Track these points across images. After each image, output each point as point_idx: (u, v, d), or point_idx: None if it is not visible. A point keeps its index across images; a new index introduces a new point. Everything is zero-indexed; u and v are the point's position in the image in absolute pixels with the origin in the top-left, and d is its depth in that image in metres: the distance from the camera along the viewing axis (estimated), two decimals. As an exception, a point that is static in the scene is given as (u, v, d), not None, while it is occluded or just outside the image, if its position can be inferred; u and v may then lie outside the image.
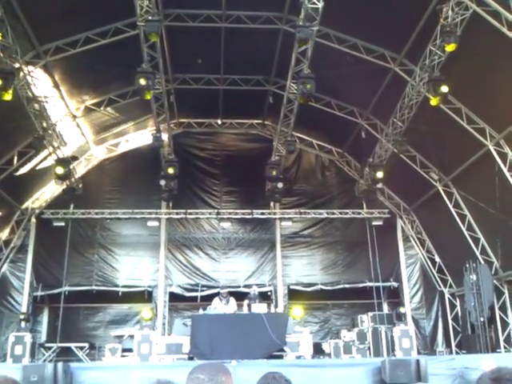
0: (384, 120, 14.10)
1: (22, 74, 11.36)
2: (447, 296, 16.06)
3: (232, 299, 11.41)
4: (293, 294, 16.34)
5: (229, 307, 11.08)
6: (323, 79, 11.84)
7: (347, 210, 16.39)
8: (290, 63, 11.72)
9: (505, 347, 12.78)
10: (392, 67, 12.46)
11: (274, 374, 2.56)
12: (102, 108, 14.59)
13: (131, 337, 12.43)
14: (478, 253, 13.66)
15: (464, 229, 14.07)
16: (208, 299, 13.29)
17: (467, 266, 13.26)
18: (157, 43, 10.87)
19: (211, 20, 12.20)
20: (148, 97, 11.53)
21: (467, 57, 10.42)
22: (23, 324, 13.76)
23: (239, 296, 12.40)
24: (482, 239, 13.66)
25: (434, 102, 10.80)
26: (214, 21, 12.22)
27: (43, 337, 15.61)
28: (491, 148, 11.85)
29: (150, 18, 10.05)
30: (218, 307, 10.98)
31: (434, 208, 15.28)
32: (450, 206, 14.36)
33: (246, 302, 11.53)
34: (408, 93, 12.34)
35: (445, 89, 10.48)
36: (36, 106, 12.29)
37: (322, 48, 12.00)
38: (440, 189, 14.62)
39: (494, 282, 13.05)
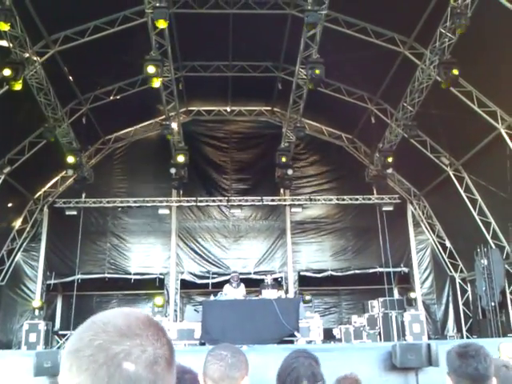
0: (394, 105, 13.99)
1: (31, 63, 11.41)
2: (458, 281, 16.00)
3: (242, 284, 11.48)
4: (303, 281, 16.38)
5: (238, 291, 11.14)
6: (332, 64, 11.75)
7: (357, 196, 16.30)
8: (298, 49, 11.64)
9: (516, 332, 12.76)
10: (402, 51, 12.34)
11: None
12: (111, 97, 14.62)
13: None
14: (489, 237, 13.58)
15: (475, 213, 13.97)
16: (219, 286, 13.37)
17: (478, 250, 13.20)
18: (165, 30, 10.81)
19: (219, 6, 12.13)
20: (157, 85, 11.53)
21: (478, 39, 10.29)
22: (37, 312, 13.94)
23: (250, 283, 12.42)
24: (494, 223, 13.57)
25: (444, 85, 10.70)
26: (221, 7, 12.15)
27: (57, 324, 15.81)
28: (502, 131, 11.73)
29: (157, 4, 10.02)
30: (228, 293, 11.06)
31: (445, 193, 15.18)
32: (461, 191, 14.26)
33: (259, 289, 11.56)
34: (418, 76, 12.20)
35: (455, 72, 10.38)
36: (46, 95, 12.35)
37: (331, 33, 11.90)
38: (451, 173, 14.51)
39: (506, 266, 12.96)
